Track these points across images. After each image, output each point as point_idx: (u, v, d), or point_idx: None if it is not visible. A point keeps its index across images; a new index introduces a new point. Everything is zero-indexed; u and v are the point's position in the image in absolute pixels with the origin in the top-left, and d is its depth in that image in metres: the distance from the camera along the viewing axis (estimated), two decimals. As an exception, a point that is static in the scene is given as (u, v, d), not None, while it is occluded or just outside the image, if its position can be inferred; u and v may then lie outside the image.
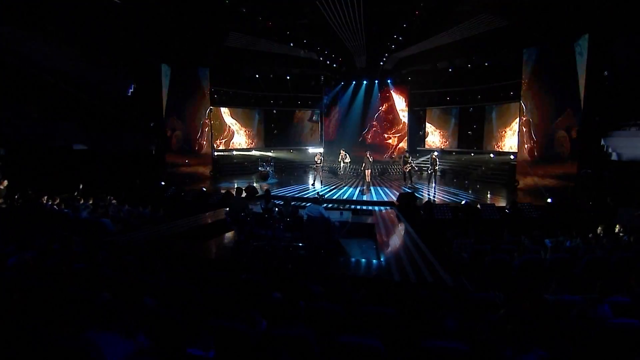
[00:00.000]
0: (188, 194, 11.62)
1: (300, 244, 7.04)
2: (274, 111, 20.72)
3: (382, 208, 10.23)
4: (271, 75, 18.84)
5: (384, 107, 19.80)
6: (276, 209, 7.12)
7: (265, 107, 20.30)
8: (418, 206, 9.91)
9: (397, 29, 13.74)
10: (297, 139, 21.42)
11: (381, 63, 16.86)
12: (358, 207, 10.33)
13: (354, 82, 19.15)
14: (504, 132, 16.55)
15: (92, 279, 3.56)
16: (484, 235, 7.15)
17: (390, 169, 18.36)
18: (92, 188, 10.79)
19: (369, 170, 13.52)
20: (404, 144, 20.13)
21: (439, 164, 13.84)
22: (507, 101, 15.85)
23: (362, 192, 12.17)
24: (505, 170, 14.87)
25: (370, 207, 10.31)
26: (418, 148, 20.29)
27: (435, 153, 14.66)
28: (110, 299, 3.10)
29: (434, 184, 13.84)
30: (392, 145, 20.08)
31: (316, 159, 14.00)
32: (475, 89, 17.44)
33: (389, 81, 18.89)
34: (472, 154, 18.28)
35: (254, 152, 20.05)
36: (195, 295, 3.45)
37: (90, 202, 8.78)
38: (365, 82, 19.06)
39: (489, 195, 12.72)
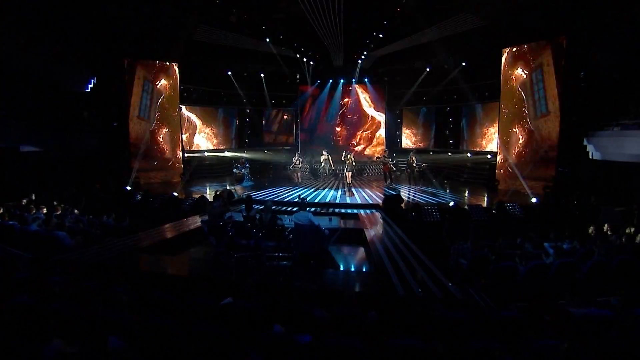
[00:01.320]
0: (157, 199, 10.62)
1: (282, 254, 6.40)
2: (247, 110, 19.84)
3: (367, 211, 9.77)
4: (245, 74, 17.97)
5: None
6: (258, 215, 6.45)
7: (238, 106, 19.38)
8: (405, 208, 9.54)
9: (377, 26, 13.41)
10: (272, 139, 20.67)
11: (359, 61, 16.47)
12: (342, 210, 9.81)
13: (330, 81, 18.66)
14: (481, 132, 16.64)
15: (40, 319, 2.76)
16: (480, 238, 6.84)
17: (369, 169, 18.01)
18: (46, 195, 9.58)
19: (350, 172, 13.08)
20: (376, 144, 20.00)
21: (417, 164, 13.63)
22: (484, 101, 15.93)
23: (345, 194, 11.70)
24: (484, 170, 14.90)
25: (354, 211, 9.82)
26: (395, 148, 20.19)
27: (413, 153, 14.46)
28: (64, 351, 2.36)
29: (414, 185, 13.64)
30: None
31: (294, 161, 13.38)
32: (452, 88, 17.47)
33: (366, 80, 18.55)
34: (449, 154, 18.34)
35: (226, 154, 19.08)
36: (176, 335, 2.76)
37: (44, 211, 7.69)
38: (342, 80, 18.64)
39: (466, 195, 12.66)
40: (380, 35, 13.58)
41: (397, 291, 4.70)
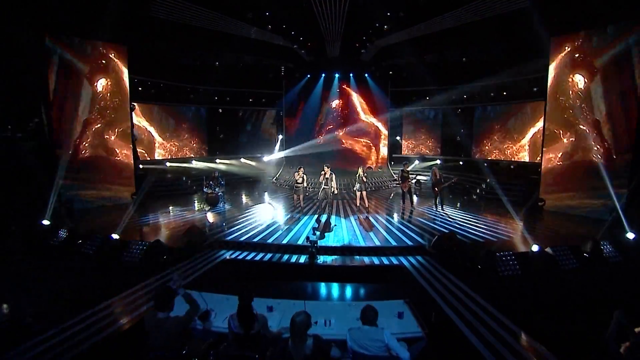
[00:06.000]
0: (90, 243, 6.94)
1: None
2: (220, 110, 16.19)
3: (411, 259, 6.64)
4: (217, 63, 14.34)
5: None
6: (279, 343, 3.11)
7: (207, 105, 15.71)
8: (468, 254, 6.50)
9: (392, 5, 10.38)
10: (250, 145, 17.17)
11: (362, 51, 13.39)
12: (375, 259, 6.60)
13: (323, 75, 15.43)
14: (506, 137, 14.15)
15: None
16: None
17: (378, 186, 14.86)
18: None
19: (365, 192, 9.92)
20: (379, 153, 17.11)
21: (444, 180, 10.67)
22: (515, 100, 13.45)
23: (363, 226, 8.49)
24: (518, 185, 12.23)
25: (393, 260, 6.63)
26: (394, 155, 17.41)
27: (438, 162, 11.51)
28: None
29: (439, 207, 10.61)
30: (364, 157, 16.76)
31: (297, 178, 9.94)
32: (474, 85, 14.77)
33: (366, 75, 15.50)
34: (460, 163, 15.71)
35: (194, 164, 15.35)
36: None
37: None
38: (337, 75, 15.46)
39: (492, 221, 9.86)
40: (402, 14, 10.46)
41: None
